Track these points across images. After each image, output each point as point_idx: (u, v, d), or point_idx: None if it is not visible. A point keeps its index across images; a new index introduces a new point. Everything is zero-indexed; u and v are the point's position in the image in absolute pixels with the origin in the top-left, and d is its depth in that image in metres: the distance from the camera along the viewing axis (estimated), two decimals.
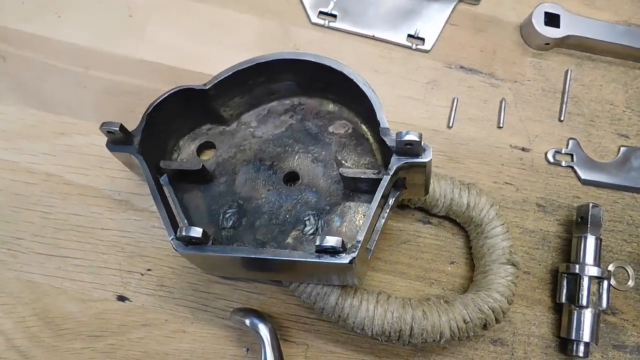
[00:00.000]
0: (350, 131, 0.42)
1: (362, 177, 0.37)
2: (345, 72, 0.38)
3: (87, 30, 0.47)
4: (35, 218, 0.43)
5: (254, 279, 0.41)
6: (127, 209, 0.44)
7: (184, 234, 0.33)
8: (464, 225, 0.44)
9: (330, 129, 0.42)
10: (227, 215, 0.40)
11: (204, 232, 0.33)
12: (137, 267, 0.42)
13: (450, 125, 0.48)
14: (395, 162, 0.34)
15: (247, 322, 0.38)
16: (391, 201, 0.38)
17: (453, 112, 0.48)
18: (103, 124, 0.36)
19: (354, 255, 0.32)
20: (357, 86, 0.38)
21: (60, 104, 0.46)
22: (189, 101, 0.40)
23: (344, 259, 0.32)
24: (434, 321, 0.38)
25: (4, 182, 0.43)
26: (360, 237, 0.32)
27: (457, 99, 0.49)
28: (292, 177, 0.41)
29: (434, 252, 0.44)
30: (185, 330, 0.41)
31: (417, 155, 0.34)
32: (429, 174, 0.36)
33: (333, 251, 0.32)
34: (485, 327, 0.40)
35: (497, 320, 0.40)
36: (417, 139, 0.32)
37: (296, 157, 0.41)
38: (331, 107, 0.43)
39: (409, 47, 0.50)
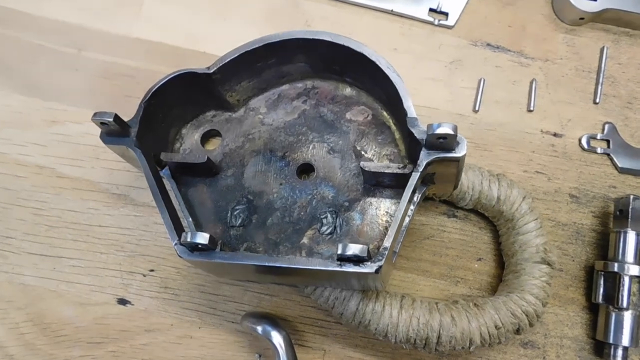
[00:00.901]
0: (369, 118, 0.38)
1: (385, 171, 0.33)
2: (365, 53, 0.34)
3: (77, 6, 0.43)
4: (26, 215, 0.39)
5: (266, 283, 0.37)
6: (126, 204, 0.40)
7: (189, 240, 0.29)
8: (492, 219, 0.41)
9: (348, 115, 0.38)
10: (235, 212, 0.36)
11: (212, 238, 0.29)
12: (139, 267, 0.39)
13: (477, 108, 0.44)
14: (425, 157, 0.30)
15: (259, 329, 0.35)
16: (417, 197, 0.34)
17: (479, 94, 0.44)
18: (95, 114, 0.32)
19: (380, 263, 0.28)
20: (378, 69, 0.34)
21: (50, 89, 0.42)
22: (192, 86, 0.36)
23: (370, 267, 0.28)
24: (463, 327, 0.35)
25: None
26: (388, 243, 0.29)
27: (484, 80, 0.44)
28: (306, 170, 0.38)
29: (460, 248, 0.41)
30: (192, 335, 0.38)
31: (450, 149, 0.30)
32: (461, 169, 0.32)
33: (357, 259, 0.28)
34: (517, 332, 0.37)
35: (531, 325, 0.37)
36: (451, 132, 0.28)
37: (310, 147, 0.38)
38: (348, 91, 0.39)
39: (431, 23, 0.45)
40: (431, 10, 0.45)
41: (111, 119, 0.32)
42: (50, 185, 0.40)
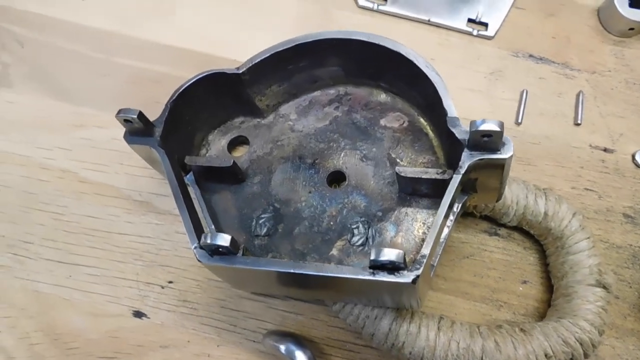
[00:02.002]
0: (405, 125, 0.36)
1: (423, 177, 0.30)
2: (402, 52, 0.32)
3: (112, 15, 0.43)
4: (46, 219, 0.38)
5: (292, 297, 0.34)
6: (148, 212, 0.38)
7: (209, 241, 0.27)
8: (538, 238, 0.37)
9: (382, 122, 0.36)
10: (261, 221, 0.34)
11: (233, 240, 0.27)
12: (157, 278, 0.37)
13: (519, 120, 0.41)
14: (467, 159, 0.28)
15: (282, 348, 0.32)
16: (457, 207, 0.31)
17: (522, 106, 0.42)
18: (120, 111, 0.31)
19: (418, 272, 0.25)
20: (415, 70, 0.32)
21: (79, 94, 0.41)
22: (220, 88, 0.35)
23: (406, 277, 0.25)
24: (509, 354, 0.32)
25: (14, 179, 0.39)
26: (426, 251, 0.26)
27: (527, 91, 0.42)
28: (337, 178, 0.35)
29: (503, 269, 0.38)
30: (210, 354, 0.35)
31: (495, 150, 0.27)
32: (506, 174, 0.29)
33: (392, 267, 0.25)
34: None
35: (586, 356, 0.33)
36: (497, 128, 0.26)
37: (342, 155, 0.35)
38: (383, 97, 0.37)
39: (470, 33, 0.43)
40: (470, 20, 0.44)
41: (135, 116, 0.31)
42: (72, 190, 0.39)
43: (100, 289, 0.37)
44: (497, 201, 0.33)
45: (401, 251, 0.25)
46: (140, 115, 0.31)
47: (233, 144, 0.38)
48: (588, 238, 0.35)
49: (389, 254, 0.25)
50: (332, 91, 0.38)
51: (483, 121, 0.26)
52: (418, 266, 0.26)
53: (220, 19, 0.43)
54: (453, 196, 0.27)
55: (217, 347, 0.35)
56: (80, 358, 0.35)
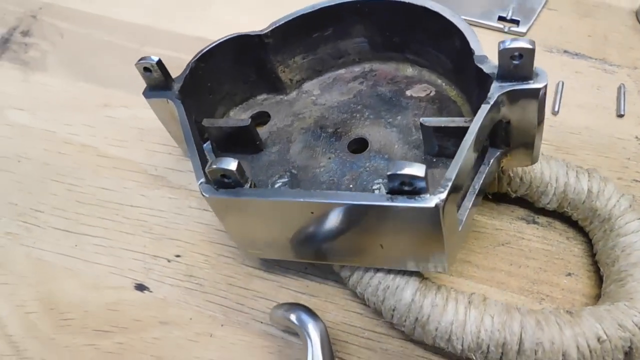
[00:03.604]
0: (432, 94, 0.34)
1: (449, 126, 0.28)
2: (428, 5, 0.31)
3: (148, 10, 0.45)
4: (60, 190, 0.37)
5: (303, 259, 0.31)
6: (162, 186, 0.37)
7: (214, 166, 0.25)
8: (583, 225, 0.33)
9: (408, 92, 0.35)
10: (275, 185, 0.32)
11: (240, 167, 0.25)
12: (165, 251, 0.35)
13: (556, 110, 0.39)
14: (496, 90, 0.25)
15: (293, 317, 0.28)
16: (490, 162, 0.29)
17: (558, 96, 0.39)
18: (140, 59, 0.31)
19: (441, 196, 0.22)
20: (441, 24, 0.30)
21: (109, 78, 0.42)
22: (243, 55, 0.35)
23: (428, 201, 0.22)
24: (554, 335, 0.27)
25: (36, 152, 0.39)
26: (451, 175, 0.23)
27: (563, 83, 0.40)
28: (359, 145, 0.33)
29: (543, 259, 0.33)
30: (212, 333, 0.32)
31: (527, 78, 0.25)
32: (541, 117, 0.27)
33: (412, 190, 0.23)
34: (628, 353, 0.27)
35: None
36: (529, 46, 0.24)
37: (365, 123, 0.34)
38: (409, 71, 0.36)
39: (501, 30, 0.43)
40: (500, 18, 0.43)
41: (154, 62, 0.31)
42: (91, 163, 0.38)
43: (105, 259, 0.35)
44: (533, 162, 0.30)
45: (423, 165, 0.22)
46: (160, 64, 0.31)
47: (254, 120, 0.37)
48: None
49: (410, 168, 0.22)
50: (357, 69, 0.37)
51: (514, 39, 0.24)
52: (442, 189, 0.23)
53: (254, 14, 0.45)
54: (482, 124, 0.25)
55: (221, 326, 0.32)
56: (73, 330, 0.32)
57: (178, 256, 0.34)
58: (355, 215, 0.25)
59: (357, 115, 0.34)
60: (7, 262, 0.35)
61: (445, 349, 0.28)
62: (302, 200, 0.25)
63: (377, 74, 0.36)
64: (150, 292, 0.33)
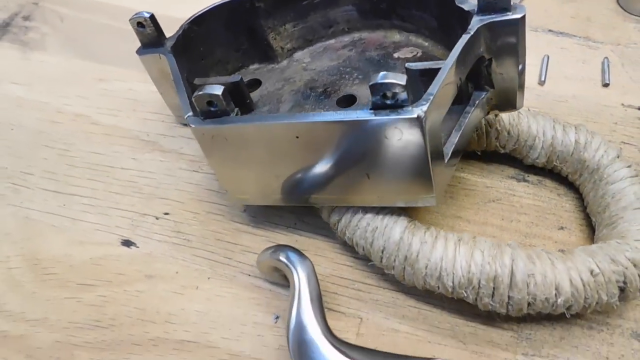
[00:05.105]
0: (419, 55, 0.35)
1: (435, 68, 0.28)
2: None
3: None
4: (51, 155, 0.37)
5: (291, 203, 0.30)
6: (154, 150, 0.37)
7: (201, 92, 0.25)
8: (572, 179, 0.33)
9: (396, 55, 0.35)
10: None
11: (225, 93, 0.25)
12: (153, 209, 0.34)
13: (543, 80, 0.40)
14: (477, 22, 0.26)
15: (280, 255, 0.28)
16: (475, 103, 0.29)
17: (544, 67, 0.40)
18: (134, 14, 0.32)
19: (424, 108, 0.23)
20: None
21: (106, 56, 0.43)
22: (235, 21, 0.36)
23: (410, 112, 0.23)
24: (546, 269, 0.26)
25: (29, 121, 0.39)
26: (433, 90, 0.23)
27: (548, 57, 0.41)
28: (348, 101, 0.34)
29: (535, 214, 0.33)
30: (198, 286, 0.31)
31: (506, 10, 0.26)
32: (522, 53, 0.27)
33: (394, 104, 0.23)
34: (623, 290, 0.27)
35: None
36: None
37: (355, 82, 0.34)
38: (397, 37, 0.37)
39: None
40: None
41: (147, 17, 0.32)
42: (83, 131, 0.38)
43: (92, 218, 0.34)
44: (518, 107, 0.30)
45: (404, 75, 0.22)
46: (152, 19, 0.32)
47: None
48: (629, 166, 0.31)
49: (391, 76, 0.22)
50: (346, 38, 0.38)
51: None
52: (424, 102, 0.23)
53: None
54: (463, 53, 0.25)
55: (207, 279, 0.31)
56: (56, 284, 0.31)
57: (167, 214, 0.34)
58: (340, 137, 0.25)
59: (346, 76, 0.35)
60: None
61: (436, 289, 0.28)
62: (286, 122, 0.25)
63: (366, 42, 0.37)
64: (137, 247, 0.33)
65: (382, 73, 0.22)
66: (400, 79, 0.22)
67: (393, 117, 0.23)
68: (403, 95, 0.23)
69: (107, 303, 0.31)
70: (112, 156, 0.37)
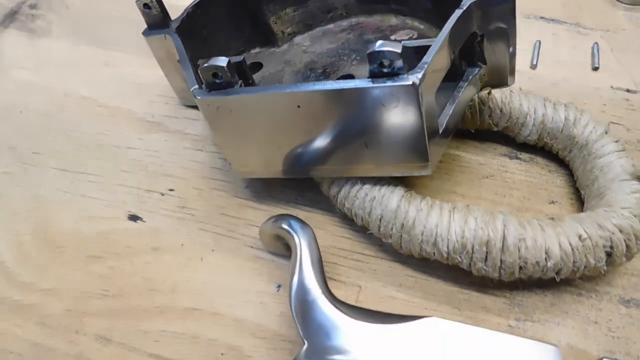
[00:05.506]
0: (415, 37, 0.36)
1: (428, 45, 0.30)
2: None
3: None
4: (59, 136, 0.38)
5: (293, 175, 0.31)
6: (159, 130, 0.38)
7: (206, 64, 0.27)
8: (563, 156, 0.35)
9: (392, 37, 0.37)
10: None
11: (230, 64, 0.27)
12: (159, 186, 0.35)
13: (534, 64, 0.41)
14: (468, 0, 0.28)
15: (282, 223, 0.29)
16: (468, 78, 0.30)
17: (536, 52, 0.42)
18: None
19: (419, 75, 0.24)
20: None
21: (112, 42, 0.44)
22: (237, 5, 0.37)
23: (406, 79, 0.24)
24: (536, 233, 0.28)
25: (37, 103, 0.40)
26: (427, 59, 0.25)
27: (540, 42, 0.42)
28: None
29: (527, 189, 0.34)
30: (203, 258, 0.32)
31: None
32: (512, 32, 0.29)
33: (391, 72, 0.24)
34: (610, 254, 0.28)
35: (629, 250, 0.28)
36: None
37: (353, 63, 0.36)
38: (394, 20, 0.38)
39: None
40: None
41: None
42: (90, 112, 0.40)
43: (100, 194, 0.35)
44: (510, 83, 0.32)
45: (401, 44, 0.24)
46: (158, 0, 0.33)
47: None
48: (617, 141, 0.32)
49: (388, 44, 0.24)
50: (344, 23, 0.39)
51: None
52: (419, 70, 0.24)
53: None
54: (456, 27, 0.27)
55: (211, 251, 0.32)
56: (66, 257, 0.33)
57: (172, 190, 0.35)
58: (340, 105, 0.26)
59: (345, 58, 0.36)
60: (3, 198, 0.36)
61: (432, 255, 0.29)
62: (288, 91, 0.26)
63: (364, 26, 0.39)
64: (143, 222, 0.34)
65: (379, 42, 0.24)
66: (396, 47, 0.24)
67: (389, 84, 0.24)
68: (399, 63, 0.24)
69: (115, 274, 0.32)
70: (118, 136, 0.38)
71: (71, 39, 0.45)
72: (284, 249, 0.31)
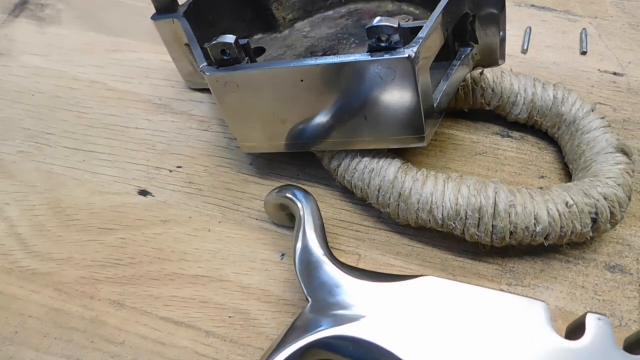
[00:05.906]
0: (411, 21, 0.38)
1: (422, 25, 0.32)
2: None
3: None
4: (69, 117, 0.40)
5: (296, 149, 0.33)
6: (166, 112, 0.40)
7: (214, 41, 0.28)
8: (552, 133, 0.36)
9: None
10: None
11: (237, 41, 0.28)
12: (167, 163, 0.37)
13: (525, 48, 0.43)
14: None
15: (287, 193, 0.31)
16: (461, 57, 0.32)
17: (527, 37, 0.43)
18: None
19: (414, 49, 0.26)
20: None
21: (119, 29, 0.46)
22: None
23: (402, 53, 0.26)
24: (525, 201, 0.29)
25: (48, 87, 0.42)
26: (422, 34, 0.26)
27: (530, 28, 0.44)
28: None
29: (518, 165, 0.36)
30: (210, 229, 0.34)
31: None
32: (502, 13, 0.31)
33: (388, 46, 0.26)
34: (595, 221, 0.30)
35: (613, 217, 0.30)
36: None
37: (352, 46, 0.37)
38: (390, 6, 0.40)
39: None
40: None
41: None
42: (98, 95, 0.41)
43: (110, 171, 0.37)
44: (500, 62, 0.33)
45: (397, 20, 0.25)
46: None
47: None
48: (602, 117, 0.34)
49: (385, 20, 0.25)
50: (343, 9, 0.41)
51: None
52: (414, 44, 0.26)
53: None
54: (449, 6, 0.28)
55: (218, 223, 0.34)
56: (79, 228, 0.34)
57: (179, 167, 0.37)
58: (340, 78, 0.28)
59: (344, 41, 0.38)
60: (19, 174, 0.37)
61: (428, 223, 0.31)
62: (292, 65, 0.28)
63: (361, 12, 0.40)
64: (153, 196, 0.36)
65: (377, 18, 0.25)
66: (393, 22, 0.25)
67: (387, 57, 0.26)
68: (396, 37, 0.26)
69: (127, 244, 0.33)
70: (126, 117, 0.40)
71: (79, 26, 0.46)
72: (288, 220, 0.33)
